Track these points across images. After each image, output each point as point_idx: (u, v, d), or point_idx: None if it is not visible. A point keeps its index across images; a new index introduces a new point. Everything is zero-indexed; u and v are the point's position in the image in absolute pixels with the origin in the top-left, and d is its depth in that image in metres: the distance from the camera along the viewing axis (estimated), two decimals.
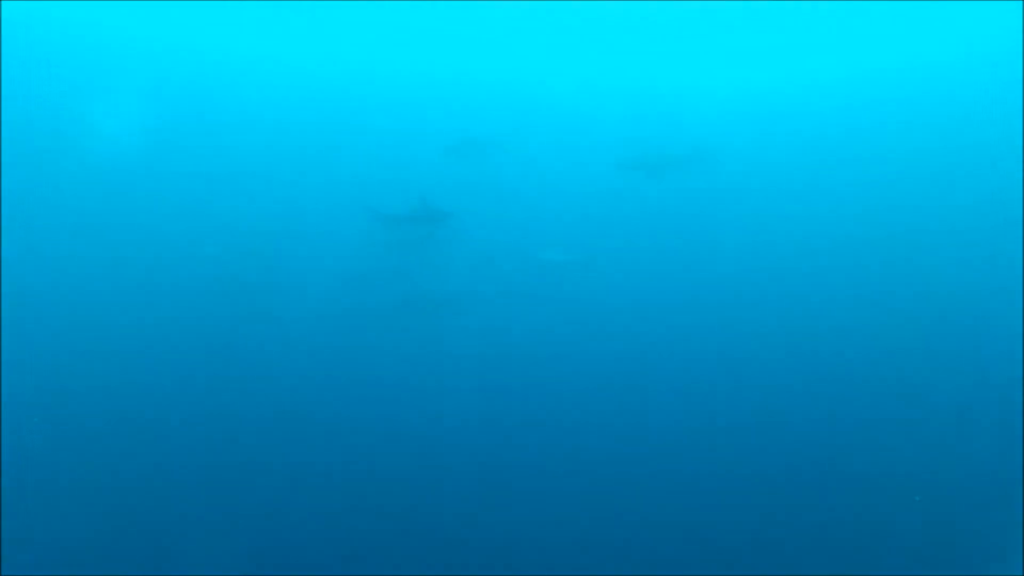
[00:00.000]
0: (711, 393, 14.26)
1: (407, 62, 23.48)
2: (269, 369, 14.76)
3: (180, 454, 12.34)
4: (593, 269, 16.73)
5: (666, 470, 12.35)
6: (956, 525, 11.07)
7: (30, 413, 12.35)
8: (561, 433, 13.23)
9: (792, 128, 22.24)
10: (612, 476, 12.27)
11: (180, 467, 12.11)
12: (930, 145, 20.30)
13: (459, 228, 15.39)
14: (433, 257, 15.76)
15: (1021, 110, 17.80)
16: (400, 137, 21.22)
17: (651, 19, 20.97)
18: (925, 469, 11.96)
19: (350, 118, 22.34)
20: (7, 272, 14.39)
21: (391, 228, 14.95)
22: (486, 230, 17.13)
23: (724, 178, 19.13)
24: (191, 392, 13.92)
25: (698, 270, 17.75)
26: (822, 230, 19.02)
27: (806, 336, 15.65)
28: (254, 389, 14.13)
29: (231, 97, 20.95)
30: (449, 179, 17.15)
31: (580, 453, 12.76)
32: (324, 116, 22.01)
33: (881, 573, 10.51)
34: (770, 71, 23.99)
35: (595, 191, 17.62)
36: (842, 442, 12.88)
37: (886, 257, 17.40)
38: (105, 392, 13.21)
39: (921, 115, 20.97)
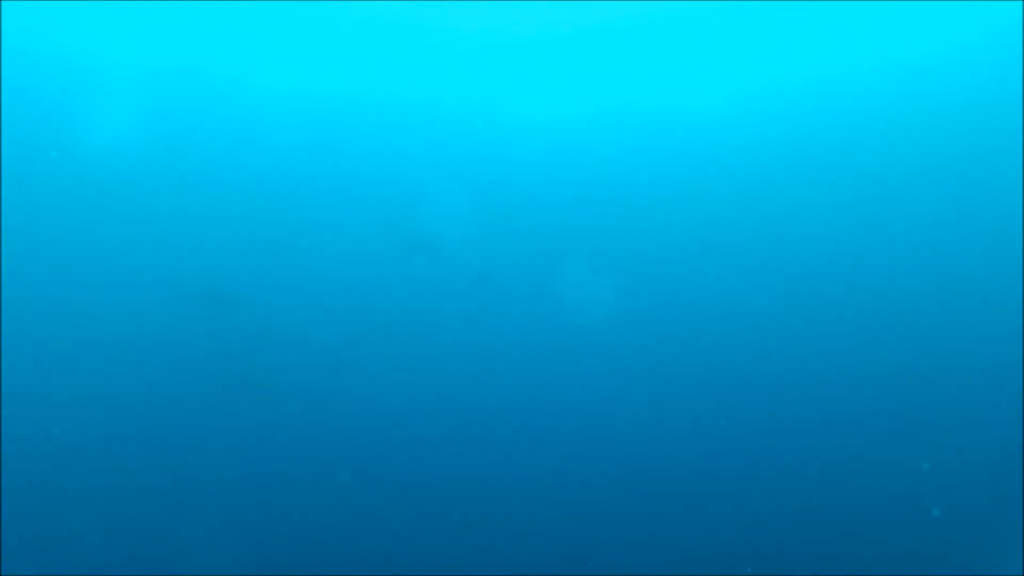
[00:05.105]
0: None
1: None
2: (264, 372, 14.72)
3: (181, 456, 12.40)
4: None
5: None
6: (956, 525, 11.05)
7: (30, 414, 12.40)
8: None
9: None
10: None
11: (180, 468, 12.17)
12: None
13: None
14: None
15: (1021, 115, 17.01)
16: None
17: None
18: (925, 469, 11.93)
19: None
20: (7, 273, 14.46)
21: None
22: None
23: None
24: (191, 395, 13.95)
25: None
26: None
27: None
28: (251, 391, 14.13)
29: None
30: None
31: None
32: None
33: (881, 573, 10.51)
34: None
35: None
36: (840, 443, 12.84)
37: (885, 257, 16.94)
38: (103, 393, 13.24)
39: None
